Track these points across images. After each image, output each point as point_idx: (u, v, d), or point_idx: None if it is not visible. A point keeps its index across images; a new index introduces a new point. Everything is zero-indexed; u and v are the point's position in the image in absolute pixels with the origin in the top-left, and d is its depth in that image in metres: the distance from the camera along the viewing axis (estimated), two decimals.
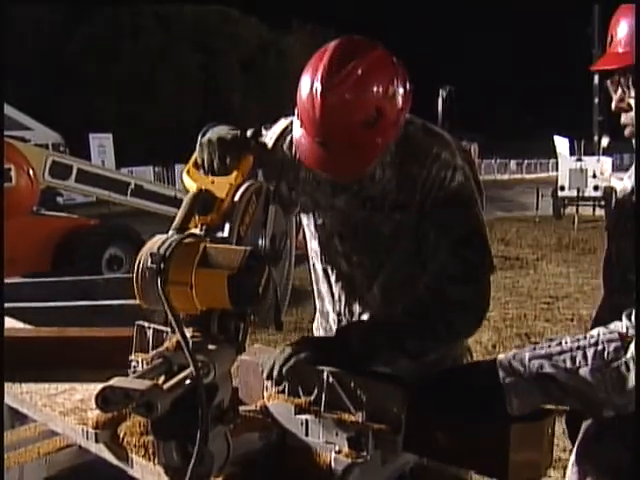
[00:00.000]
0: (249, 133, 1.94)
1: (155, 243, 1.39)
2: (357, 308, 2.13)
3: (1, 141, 7.25)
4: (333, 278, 2.16)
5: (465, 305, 1.84)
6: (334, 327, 2.20)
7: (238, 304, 1.37)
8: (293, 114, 1.90)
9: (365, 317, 2.11)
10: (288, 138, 2.06)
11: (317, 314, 2.31)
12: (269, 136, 2.09)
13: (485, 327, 7.24)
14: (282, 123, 2.11)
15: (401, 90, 1.77)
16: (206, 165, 1.74)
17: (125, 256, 10.00)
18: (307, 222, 2.16)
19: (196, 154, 1.78)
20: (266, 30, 42.21)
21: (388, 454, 1.53)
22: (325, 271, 2.18)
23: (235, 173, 1.68)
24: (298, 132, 1.82)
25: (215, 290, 1.35)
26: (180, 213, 1.51)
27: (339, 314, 2.18)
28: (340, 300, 2.16)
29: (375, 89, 1.71)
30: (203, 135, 1.87)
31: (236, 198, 1.60)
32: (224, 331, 1.43)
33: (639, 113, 1.50)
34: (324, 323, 2.27)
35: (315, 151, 1.77)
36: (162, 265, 1.34)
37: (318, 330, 2.32)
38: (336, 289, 2.16)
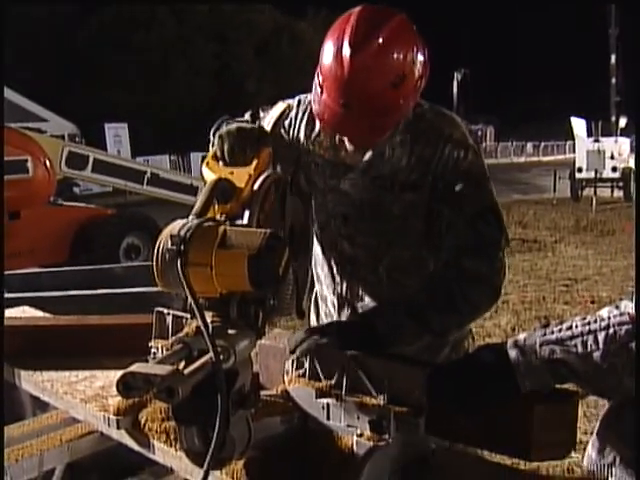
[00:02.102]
0: (247, 115, 1.94)
1: (175, 227, 1.39)
2: (360, 290, 2.12)
3: (1, 136, 7.26)
4: (334, 260, 2.15)
5: (480, 277, 1.85)
6: (334, 311, 2.19)
7: (258, 285, 1.36)
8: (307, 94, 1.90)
9: (368, 299, 2.10)
10: (287, 122, 2.08)
11: (317, 298, 2.29)
12: (267, 120, 2.09)
13: (504, 310, 7.23)
14: (280, 106, 2.12)
15: (421, 55, 1.79)
16: (226, 156, 1.73)
17: (142, 245, 10.04)
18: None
19: (215, 147, 1.77)
20: (279, 15, 42.10)
21: (410, 437, 1.52)
22: (325, 253, 2.17)
23: (254, 163, 1.69)
24: (318, 99, 1.81)
25: (235, 271, 1.34)
26: (200, 200, 1.51)
27: (340, 297, 2.16)
28: (341, 283, 2.15)
29: (401, 50, 1.73)
30: (217, 129, 1.87)
31: (255, 187, 1.61)
32: (244, 316, 1.42)
33: (639, 117, 1.48)
34: (324, 307, 2.25)
35: (338, 114, 1.76)
36: (182, 247, 1.34)
37: (316, 314, 2.31)
38: (337, 271, 2.15)
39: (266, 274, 1.37)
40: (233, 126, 1.80)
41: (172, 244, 1.35)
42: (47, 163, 9.17)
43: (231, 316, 1.40)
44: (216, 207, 1.54)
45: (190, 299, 1.31)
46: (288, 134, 2.07)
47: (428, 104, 1.98)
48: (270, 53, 40.27)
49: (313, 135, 2.02)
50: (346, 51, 1.70)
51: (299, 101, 2.10)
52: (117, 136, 25.62)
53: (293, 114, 2.08)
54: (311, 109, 2.00)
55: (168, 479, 1.99)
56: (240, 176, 1.62)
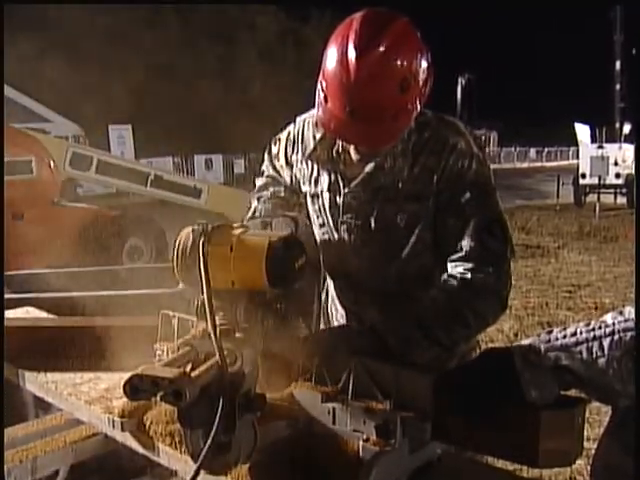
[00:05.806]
0: (266, 160, 2.23)
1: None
2: (367, 302, 2.10)
3: (1, 138, 7.27)
4: (340, 273, 2.14)
5: (488, 290, 1.83)
6: (343, 322, 2.19)
7: (273, 276, 1.38)
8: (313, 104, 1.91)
9: (375, 311, 2.08)
10: (289, 149, 2.11)
11: (327, 307, 2.29)
12: (280, 158, 2.16)
13: (507, 316, 7.19)
14: (283, 138, 2.15)
15: (426, 59, 1.77)
16: None
17: (145, 246, 10.04)
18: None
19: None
20: (284, 18, 42.14)
21: (416, 442, 1.51)
22: (332, 266, 2.16)
23: None
24: (323, 108, 1.79)
25: (254, 255, 1.39)
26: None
27: (347, 309, 2.16)
28: (348, 295, 2.14)
29: (407, 54, 1.71)
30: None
31: None
32: (251, 319, 1.43)
33: (638, 118, 1.48)
34: (333, 320, 2.25)
35: (345, 122, 1.74)
36: (208, 228, 1.40)
37: (325, 324, 2.31)
38: (344, 284, 2.14)
39: (282, 267, 1.40)
40: (257, 220, 1.86)
41: (197, 225, 1.42)
42: (51, 164, 9.17)
43: (238, 319, 1.41)
44: None
45: (203, 280, 1.34)
46: (293, 156, 2.11)
47: (431, 112, 1.95)
48: (274, 57, 40.29)
49: (308, 152, 2.01)
50: (351, 56, 1.67)
51: (294, 124, 2.11)
52: (121, 137, 25.65)
53: (291, 138, 2.10)
54: (304, 129, 2.01)
55: None
56: None
